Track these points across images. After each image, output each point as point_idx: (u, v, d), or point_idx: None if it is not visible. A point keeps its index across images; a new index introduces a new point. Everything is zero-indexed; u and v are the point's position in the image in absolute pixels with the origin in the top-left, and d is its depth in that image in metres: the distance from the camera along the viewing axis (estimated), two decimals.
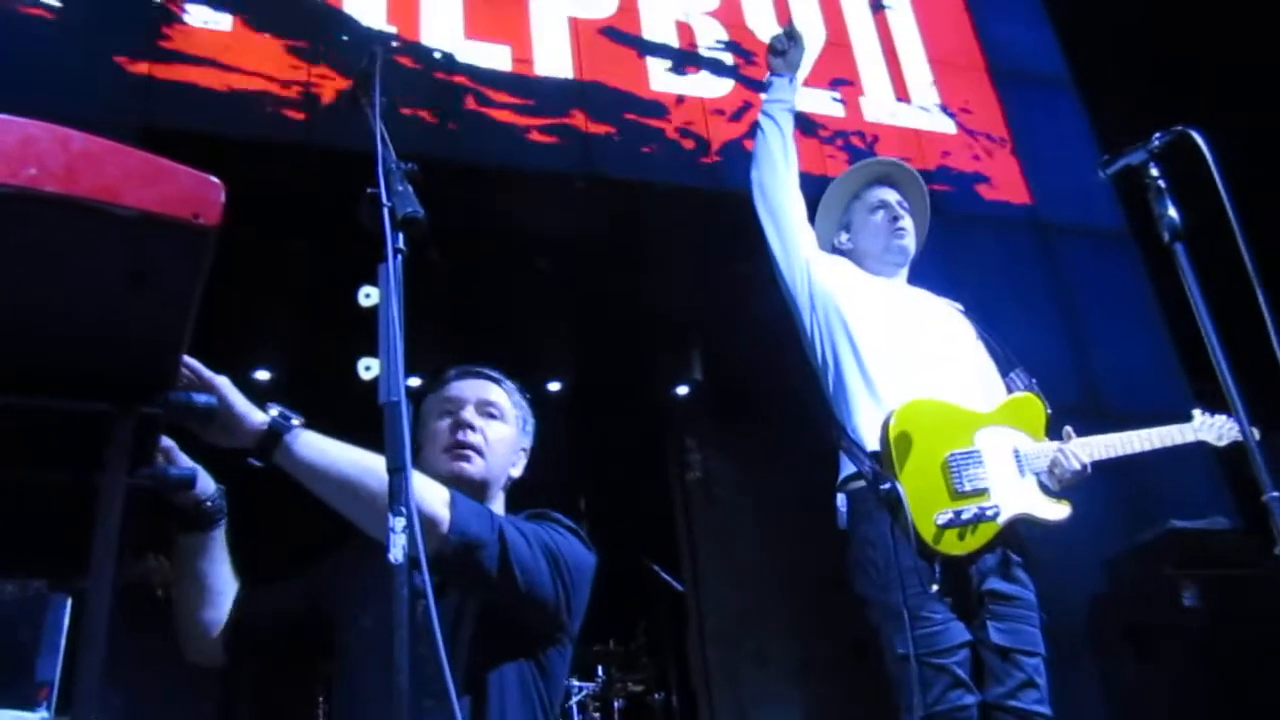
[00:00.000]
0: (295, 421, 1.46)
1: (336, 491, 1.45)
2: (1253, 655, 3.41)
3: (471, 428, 1.77)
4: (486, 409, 1.82)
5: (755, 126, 2.82)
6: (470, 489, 1.70)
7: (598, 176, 4.28)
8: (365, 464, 1.45)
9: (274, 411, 1.45)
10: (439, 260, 4.51)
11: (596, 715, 4.87)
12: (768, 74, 2.87)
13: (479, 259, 4.79)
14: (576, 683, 4.93)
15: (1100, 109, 5.23)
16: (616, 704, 5.02)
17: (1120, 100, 5.02)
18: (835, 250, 2.78)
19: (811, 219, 2.73)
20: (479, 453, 1.76)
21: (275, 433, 1.43)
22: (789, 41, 2.83)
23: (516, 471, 1.85)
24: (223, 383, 1.40)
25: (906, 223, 2.72)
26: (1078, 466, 2.36)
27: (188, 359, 1.30)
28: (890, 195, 2.76)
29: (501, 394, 1.87)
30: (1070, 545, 2.61)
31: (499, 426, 1.81)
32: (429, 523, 1.42)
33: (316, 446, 1.45)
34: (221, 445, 1.48)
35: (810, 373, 2.63)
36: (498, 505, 1.82)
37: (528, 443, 1.88)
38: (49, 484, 1.11)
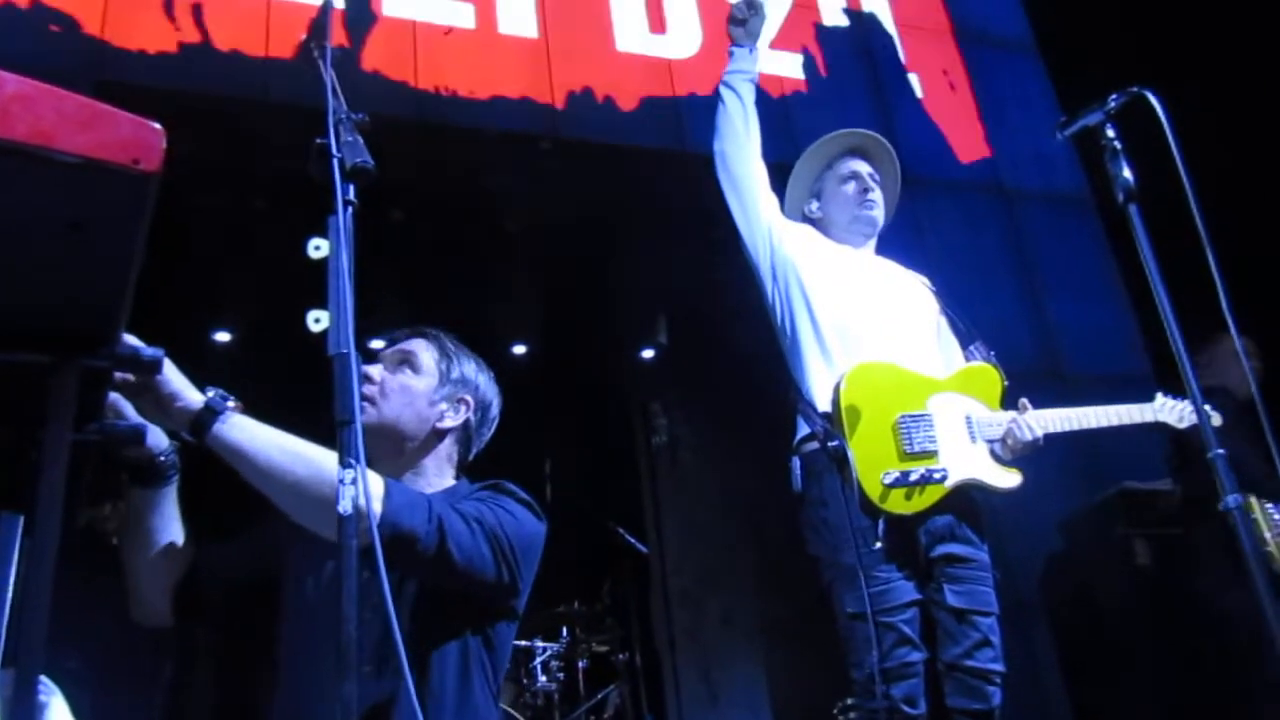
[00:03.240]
0: (230, 404, 1.45)
1: (265, 478, 1.44)
2: (1201, 611, 3.51)
3: (370, 379, 1.76)
4: (398, 360, 1.82)
5: (716, 96, 2.81)
6: (371, 438, 1.65)
7: (564, 138, 4.24)
8: (296, 450, 1.45)
9: (210, 393, 1.44)
10: (402, 221, 4.47)
11: (560, 675, 4.92)
12: (730, 44, 2.85)
13: (444, 221, 4.75)
14: (541, 643, 4.97)
15: (1063, 74, 5.25)
16: (581, 664, 5.07)
17: (1083, 65, 5.04)
18: (805, 217, 2.81)
19: (777, 187, 2.74)
20: (371, 401, 1.75)
21: (208, 413, 1.42)
22: (749, 10, 2.81)
23: (450, 421, 1.81)
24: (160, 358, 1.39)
25: (876, 195, 2.75)
26: (1030, 437, 2.41)
27: (128, 337, 1.27)
28: (862, 167, 2.79)
29: (421, 345, 1.85)
30: (1025, 506, 2.66)
31: (406, 376, 1.80)
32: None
33: (247, 431, 1.44)
34: (156, 423, 1.48)
35: (772, 337, 2.66)
36: (434, 459, 1.80)
37: (464, 391, 1.84)
38: None
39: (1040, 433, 2.42)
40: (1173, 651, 3.53)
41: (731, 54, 2.83)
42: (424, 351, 1.84)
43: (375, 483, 1.51)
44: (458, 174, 4.40)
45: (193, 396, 1.43)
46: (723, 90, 2.79)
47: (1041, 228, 4.89)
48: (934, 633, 2.32)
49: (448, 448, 1.83)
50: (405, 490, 1.58)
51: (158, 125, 0.89)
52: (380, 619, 1.14)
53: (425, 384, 1.80)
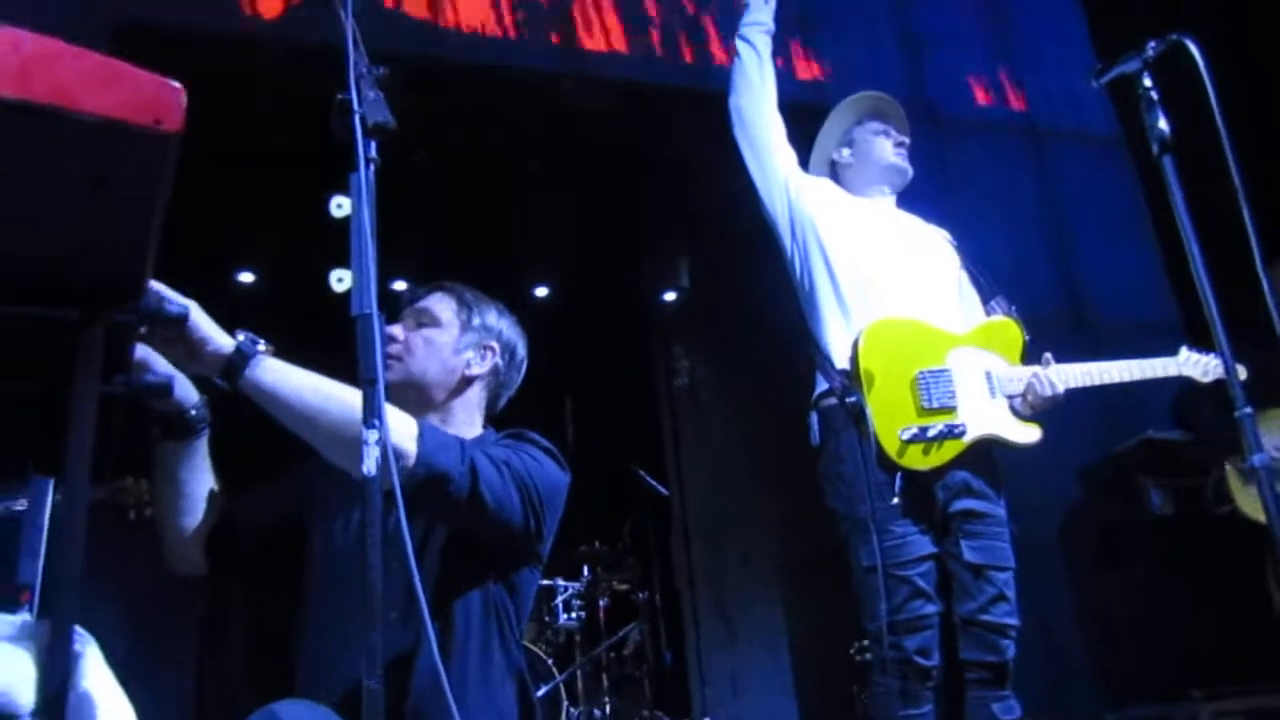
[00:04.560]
0: (261, 347, 1.45)
1: (298, 419, 1.45)
2: (1219, 560, 3.51)
3: (394, 339, 1.80)
4: (418, 318, 1.85)
5: (731, 48, 2.76)
6: (401, 393, 1.73)
7: (587, 77, 4.18)
8: (328, 392, 1.46)
9: (240, 337, 1.44)
10: (424, 162, 4.44)
11: (582, 614, 5.00)
12: None
13: (467, 161, 4.72)
14: (562, 581, 5.05)
15: (1098, 11, 5.10)
16: (601, 602, 5.14)
17: (1119, 3, 4.90)
18: (832, 165, 2.77)
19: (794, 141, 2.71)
20: (398, 358, 1.78)
21: (240, 357, 1.42)
22: None
23: (477, 368, 1.83)
24: (191, 305, 1.39)
25: (905, 150, 2.73)
26: (1050, 393, 2.39)
27: (155, 284, 1.28)
28: (893, 127, 2.76)
29: (437, 298, 1.87)
30: (1045, 454, 2.66)
31: (428, 331, 1.82)
32: (395, 455, 1.42)
33: (279, 373, 1.45)
34: (188, 370, 1.49)
35: (789, 286, 2.65)
36: (463, 406, 1.82)
37: (488, 338, 1.85)
38: (22, 393, 1.11)
39: (1061, 389, 2.40)
40: (1193, 600, 3.54)
41: (747, 4, 2.78)
42: (441, 304, 1.86)
43: (408, 424, 1.53)
44: (478, 115, 4.36)
45: (223, 341, 1.43)
46: (738, 43, 2.74)
47: (1072, 169, 4.80)
48: (949, 586, 2.34)
49: (477, 394, 1.86)
50: (438, 431, 1.60)
51: (177, 84, 0.89)
52: (404, 566, 1.16)
53: (448, 335, 1.82)
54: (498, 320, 1.90)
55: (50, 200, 0.92)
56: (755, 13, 2.75)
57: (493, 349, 1.86)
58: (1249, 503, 3.31)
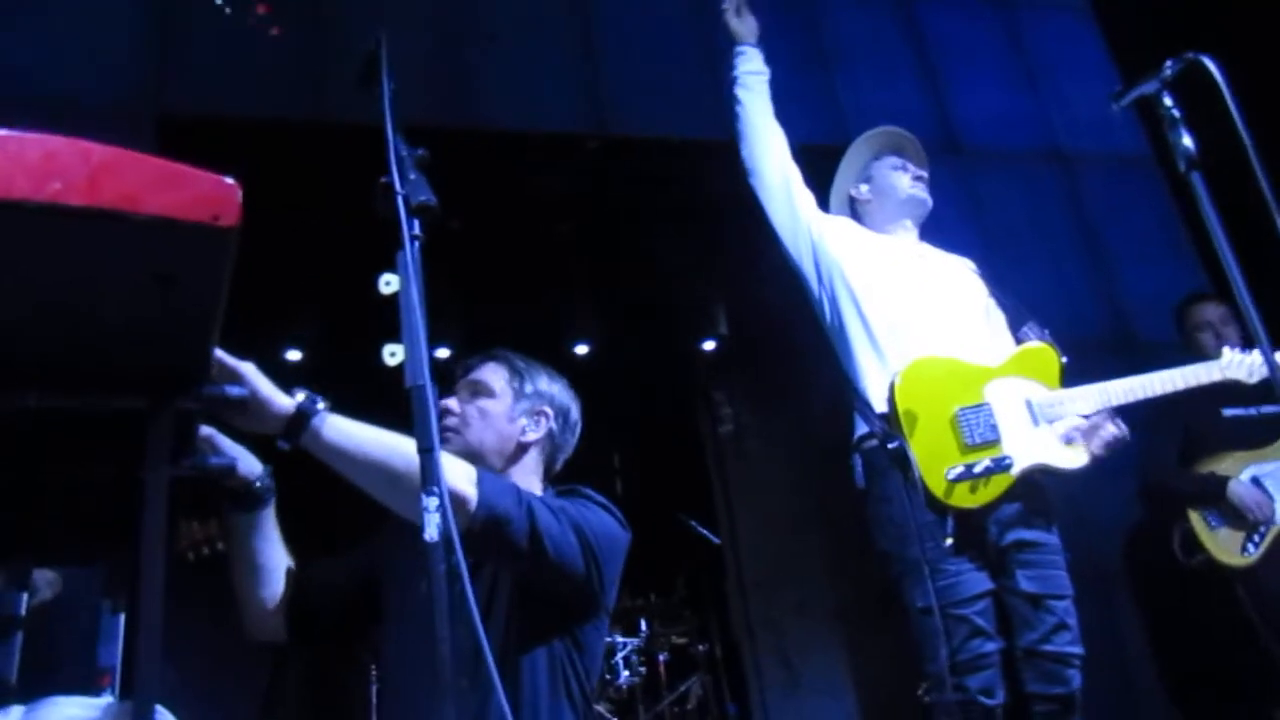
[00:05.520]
0: (321, 405, 1.47)
1: (363, 473, 1.48)
2: None
3: (450, 412, 1.85)
4: (472, 389, 1.90)
5: (731, 100, 2.75)
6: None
7: (611, 135, 4.26)
8: (391, 445, 1.48)
9: (300, 396, 1.46)
10: (460, 230, 4.53)
11: (642, 669, 4.97)
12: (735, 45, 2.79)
13: (499, 227, 4.81)
14: (620, 638, 5.02)
15: (1116, 32, 5.12)
16: (661, 657, 5.11)
17: (1137, 22, 4.91)
18: (852, 202, 2.78)
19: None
20: (455, 431, 1.84)
21: (302, 416, 1.45)
22: (738, 7, 2.78)
23: (533, 434, 1.87)
24: (249, 369, 1.42)
25: (923, 183, 2.73)
26: (1118, 433, 2.37)
27: (214, 350, 1.33)
28: (910, 162, 2.77)
29: (490, 369, 1.92)
30: (1106, 476, 2.63)
31: (482, 402, 1.88)
32: (456, 501, 1.44)
33: (342, 429, 1.48)
34: (251, 430, 1.51)
35: (823, 331, 2.65)
36: (521, 471, 1.86)
37: (541, 404, 1.90)
38: (97, 479, 1.16)
39: (1125, 429, 2.37)
40: (1264, 621, 3.44)
41: (739, 53, 2.76)
42: (494, 374, 1.91)
43: (467, 470, 1.56)
44: (507, 178, 4.45)
45: (284, 401, 1.45)
46: (738, 93, 2.73)
47: (1103, 191, 4.78)
48: (1009, 621, 2.30)
49: (534, 459, 1.90)
50: (496, 478, 1.63)
51: (232, 181, 0.94)
52: (473, 631, 1.18)
53: (502, 405, 1.88)
54: (549, 385, 1.94)
55: (119, 296, 0.97)
56: (749, 61, 2.74)
57: (546, 414, 1.90)
58: (1221, 549, 3.24)
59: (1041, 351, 2.50)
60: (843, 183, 2.82)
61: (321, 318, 5.07)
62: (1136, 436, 2.52)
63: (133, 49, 3.65)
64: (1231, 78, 1.89)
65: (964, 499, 2.26)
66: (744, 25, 2.79)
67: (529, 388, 1.90)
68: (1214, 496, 3.27)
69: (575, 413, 1.97)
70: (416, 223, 1.21)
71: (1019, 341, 2.58)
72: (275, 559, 1.69)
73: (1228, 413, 3.40)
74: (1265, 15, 4.49)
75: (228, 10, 3.65)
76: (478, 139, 4.08)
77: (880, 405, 2.36)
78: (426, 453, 1.15)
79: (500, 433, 1.84)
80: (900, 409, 2.31)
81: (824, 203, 2.78)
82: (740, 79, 2.73)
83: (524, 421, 1.87)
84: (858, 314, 2.51)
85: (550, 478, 1.93)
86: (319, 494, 1.53)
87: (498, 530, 1.52)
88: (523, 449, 1.87)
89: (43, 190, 0.86)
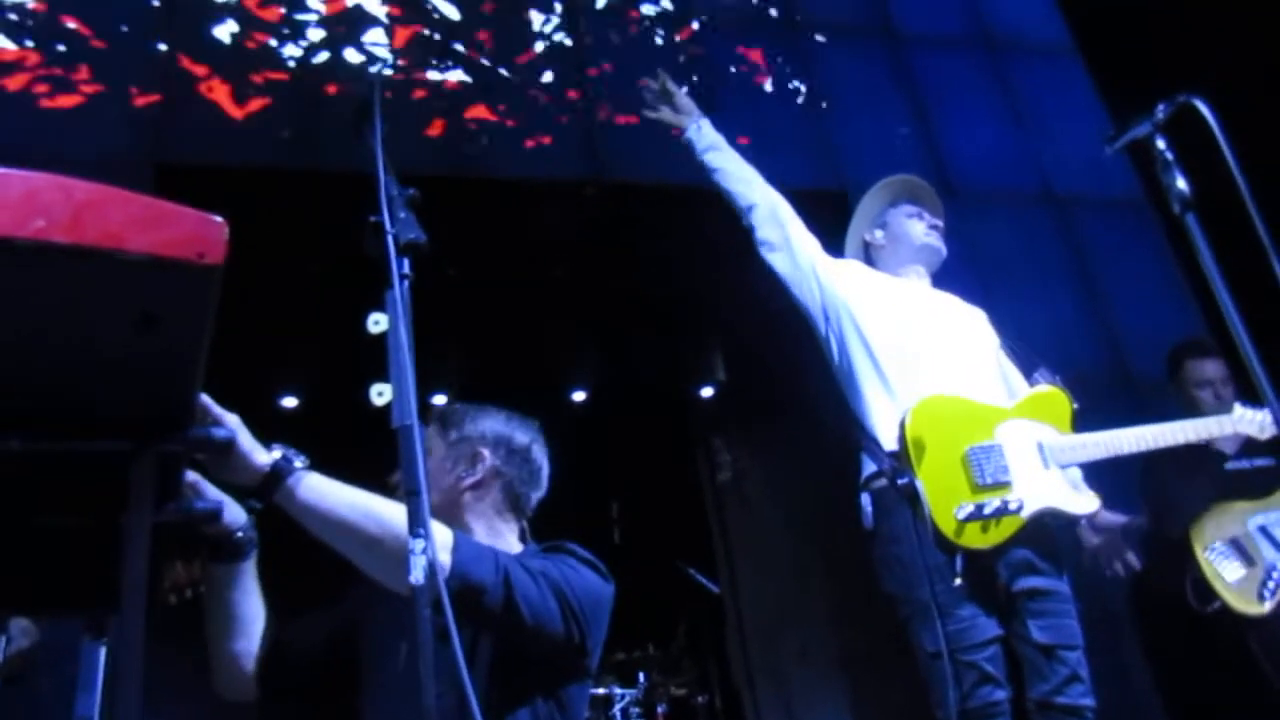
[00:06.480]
0: (299, 464, 1.45)
1: (337, 536, 1.45)
2: None
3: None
4: None
5: (710, 176, 2.75)
6: None
7: (607, 180, 4.28)
8: (365, 508, 1.46)
9: (277, 453, 1.44)
10: (455, 276, 4.54)
11: None
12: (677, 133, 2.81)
13: (496, 273, 4.82)
14: (619, 689, 4.93)
15: (1105, 75, 5.19)
16: (660, 708, 5.01)
17: (1125, 64, 4.97)
18: (866, 247, 2.78)
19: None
20: None
21: (277, 474, 1.42)
22: (663, 95, 2.81)
23: (472, 480, 1.82)
24: (233, 420, 1.40)
25: (939, 231, 2.73)
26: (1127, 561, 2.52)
27: (200, 396, 1.31)
28: (926, 211, 2.77)
29: (427, 431, 1.86)
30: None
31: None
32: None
33: (317, 489, 1.45)
34: (229, 481, 1.48)
35: (828, 371, 2.63)
36: (480, 520, 1.81)
37: (472, 447, 1.84)
38: (77, 526, 1.13)
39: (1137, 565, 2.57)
40: (1276, 671, 3.38)
41: (689, 141, 2.78)
42: (429, 435, 1.85)
43: (444, 534, 1.53)
44: (503, 226, 4.47)
45: (261, 457, 1.43)
46: (709, 164, 2.73)
47: (1097, 233, 4.81)
48: (1018, 669, 2.25)
49: (490, 503, 1.83)
50: (472, 543, 1.60)
51: (219, 219, 0.93)
52: (455, 688, 1.14)
53: (435, 460, 1.82)
54: (479, 424, 1.87)
55: (101, 335, 0.96)
56: (703, 138, 2.76)
57: (480, 454, 1.84)
58: (1237, 597, 3.18)
59: (1053, 395, 2.49)
60: (857, 228, 2.81)
61: (319, 363, 5.06)
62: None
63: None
64: (1222, 119, 1.89)
65: (975, 539, 2.22)
66: (680, 107, 2.81)
67: (454, 435, 1.85)
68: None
69: (521, 439, 1.89)
70: (406, 262, 1.21)
71: (1031, 385, 2.57)
72: (252, 612, 1.64)
73: (1230, 466, 3.38)
74: (1249, 56, 4.55)
75: None
76: (475, 187, 4.11)
77: (890, 444, 2.33)
78: (413, 495, 1.12)
79: (441, 487, 1.79)
80: (910, 445, 2.28)
81: (827, 247, 2.77)
82: (705, 162, 2.75)
83: (459, 469, 1.82)
84: (866, 352, 2.49)
85: (522, 526, 1.87)
86: (302, 546, 1.50)
87: (472, 598, 1.49)
88: (472, 495, 1.81)
89: (25, 227, 0.84)
